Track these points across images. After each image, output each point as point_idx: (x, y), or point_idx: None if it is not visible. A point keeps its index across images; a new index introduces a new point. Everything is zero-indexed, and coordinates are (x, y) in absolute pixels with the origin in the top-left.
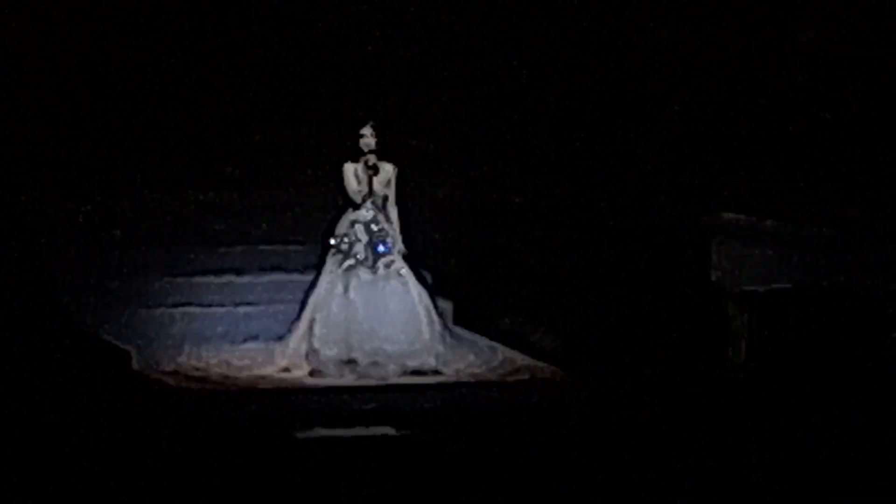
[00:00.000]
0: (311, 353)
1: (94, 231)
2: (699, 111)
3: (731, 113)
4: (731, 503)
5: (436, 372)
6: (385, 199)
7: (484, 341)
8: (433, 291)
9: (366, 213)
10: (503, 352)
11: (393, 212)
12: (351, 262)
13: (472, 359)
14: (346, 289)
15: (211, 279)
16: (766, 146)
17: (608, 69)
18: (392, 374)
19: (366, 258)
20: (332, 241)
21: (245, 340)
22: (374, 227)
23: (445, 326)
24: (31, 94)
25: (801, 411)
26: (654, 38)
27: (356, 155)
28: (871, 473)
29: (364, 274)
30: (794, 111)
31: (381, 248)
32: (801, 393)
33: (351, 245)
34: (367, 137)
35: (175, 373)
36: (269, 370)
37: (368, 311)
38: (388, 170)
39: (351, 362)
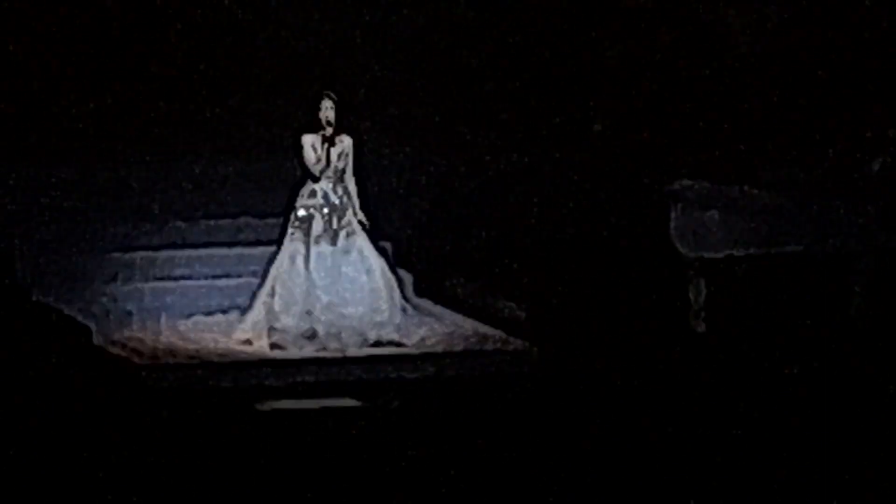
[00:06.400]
0: (272, 325)
1: (53, 205)
2: (659, 79)
3: (689, 81)
4: (701, 469)
5: (397, 343)
6: (343, 170)
7: (444, 312)
8: (393, 262)
9: (324, 185)
10: (463, 322)
11: (351, 183)
12: (311, 234)
13: (432, 330)
14: (306, 261)
15: (172, 253)
16: (723, 113)
17: (571, 34)
18: (352, 346)
19: (325, 230)
20: (292, 214)
21: (206, 314)
22: (333, 199)
23: (406, 298)
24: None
25: (761, 375)
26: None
27: (314, 127)
28: (830, 433)
29: (324, 246)
30: (751, 77)
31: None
32: (762, 358)
33: (310, 217)
34: (327, 110)
35: (136, 348)
36: (230, 343)
37: (328, 283)
38: (345, 142)
39: (311, 334)
